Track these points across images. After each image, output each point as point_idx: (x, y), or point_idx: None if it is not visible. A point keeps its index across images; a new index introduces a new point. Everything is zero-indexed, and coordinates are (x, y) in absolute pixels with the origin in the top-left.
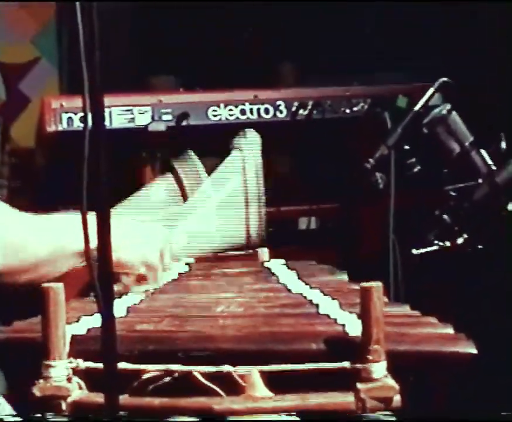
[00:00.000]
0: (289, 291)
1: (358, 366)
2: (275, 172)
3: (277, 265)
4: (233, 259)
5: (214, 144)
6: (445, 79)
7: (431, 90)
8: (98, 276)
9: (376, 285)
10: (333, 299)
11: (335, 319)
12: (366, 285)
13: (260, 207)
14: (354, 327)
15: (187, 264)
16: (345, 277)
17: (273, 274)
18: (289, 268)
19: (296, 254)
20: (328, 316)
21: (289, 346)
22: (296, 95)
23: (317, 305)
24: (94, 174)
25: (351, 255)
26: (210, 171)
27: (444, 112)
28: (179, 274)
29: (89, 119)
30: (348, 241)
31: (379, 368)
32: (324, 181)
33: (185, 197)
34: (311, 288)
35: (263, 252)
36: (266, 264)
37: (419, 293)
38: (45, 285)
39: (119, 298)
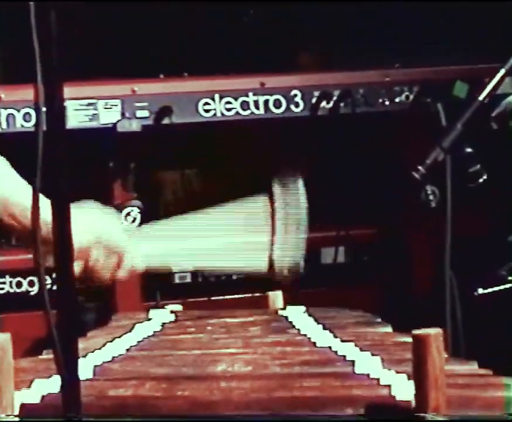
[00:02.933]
0: (313, 344)
1: None
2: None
3: (295, 313)
4: (236, 306)
5: (207, 149)
6: None
7: (500, 73)
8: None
9: (434, 333)
10: (373, 354)
11: (377, 380)
12: (420, 332)
13: (298, 233)
14: (403, 390)
15: (172, 312)
16: (387, 327)
17: (291, 324)
18: (311, 316)
19: (320, 297)
20: (367, 375)
21: (316, 413)
22: (317, 82)
23: (352, 362)
24: (50, 190)
25: (395, 298)
26: (201, 186)
27: None
28: (163, 324)
29: (42, 116)
30: (390, 279)
31: None
32: (356, 198)
33: (273, 228)
34: (342, 341)
35: (276, 297)
36: (280, 312)
37: (485, 345)
38: None
39: (84, 356)
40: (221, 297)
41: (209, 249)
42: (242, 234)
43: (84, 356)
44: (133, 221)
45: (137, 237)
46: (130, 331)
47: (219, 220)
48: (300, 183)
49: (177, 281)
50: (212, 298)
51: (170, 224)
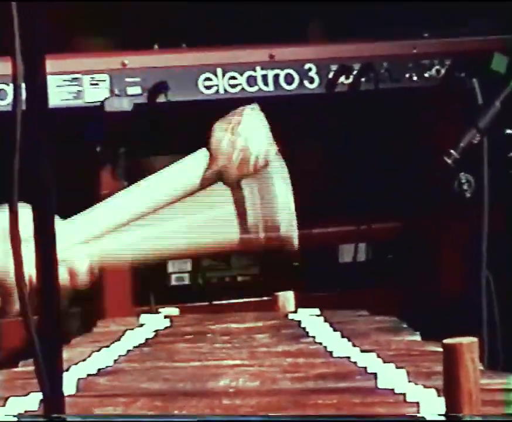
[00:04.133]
0: (330, 354)
1: None
2: (302, 172)
3: (309, 318)
4: (241, 311)
5: (207, 131)
6: None
7: None
8: (37, 328)
9: (468, 343)
10: (399, 366)
11: (403, 395)
12: (451, 341)
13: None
14: (432, 407)
15: (166, 317)
16: (414, 335)
17: (304, 331)
18: (327, 321)
19: (338, 300)
20: (392, 391)
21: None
22: (335, 55)
23: (374, 375)
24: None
25: (423, 301)
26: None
27: None
28: (155, 332)
29: (21, 94)
30: (417, 279)
31: None
32: (378, 188)
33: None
34: (363, 351)
35: (287, 298)
36: (291, 316)
37: None
38: None
39: (67, 368)
40: (223, 301)
41: (171, 232)
42: (204, 209)
43: (67, 369)
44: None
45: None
46: (119, 339)
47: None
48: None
49: (173, 282)
50: (214, 302)
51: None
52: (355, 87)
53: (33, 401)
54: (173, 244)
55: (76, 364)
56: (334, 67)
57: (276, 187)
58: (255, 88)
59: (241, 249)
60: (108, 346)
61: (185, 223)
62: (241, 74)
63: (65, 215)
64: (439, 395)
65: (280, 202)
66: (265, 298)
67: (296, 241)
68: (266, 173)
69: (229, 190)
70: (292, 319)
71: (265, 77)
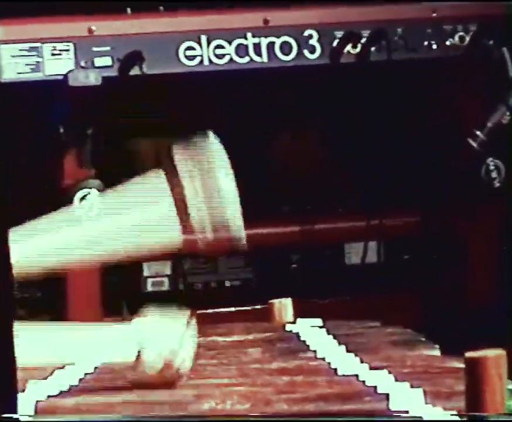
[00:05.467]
0: (334, 372)
1: None
2: (301, 158)
3: (309, 329)
4: (229, 320)
5: (190, 109)
6: None
7: None
8: None
9: (495, 356)
10: (414, 385)
11: (419, 419)
12: (475, 355)
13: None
14: None
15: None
16: (433, 349)
17: (304, 344)
18: (330, 333)
19: (343, 308)
20: (406, 412)
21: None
22: (340, 19)
23: (385, 396)
24: None
25: (443, 309)
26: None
27: None
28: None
29: None
30: (437, 284)
31: None
32: (392, 175)
33: (181, 202)
34: (372, 368)
35: (284, 307)
36: (289, 327)
37: None
38: None
39: (23, 389)
40: (209, 310)
41: (103, 234)
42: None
43: (23, 389)
44: (90, 208)
45: None
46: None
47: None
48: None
49: (149, 288)
50: (199, 311)
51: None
52: (364, 58)
53: None
54: (103, 246)
55: (34, 383)
56: (339, 34)
57: (220, 180)
58: (246, 59)
59: (185, 250)
60: (72, 363)
61: (117, 222)
62: (229, 43)
63: (21, 209)
64: (461, 418)
65: (226, 196)
66: (258, 306)
67: (244, 238)
68: (208, 165)
69: (167, 183)
70: (290, 331)
71: (257, 46)
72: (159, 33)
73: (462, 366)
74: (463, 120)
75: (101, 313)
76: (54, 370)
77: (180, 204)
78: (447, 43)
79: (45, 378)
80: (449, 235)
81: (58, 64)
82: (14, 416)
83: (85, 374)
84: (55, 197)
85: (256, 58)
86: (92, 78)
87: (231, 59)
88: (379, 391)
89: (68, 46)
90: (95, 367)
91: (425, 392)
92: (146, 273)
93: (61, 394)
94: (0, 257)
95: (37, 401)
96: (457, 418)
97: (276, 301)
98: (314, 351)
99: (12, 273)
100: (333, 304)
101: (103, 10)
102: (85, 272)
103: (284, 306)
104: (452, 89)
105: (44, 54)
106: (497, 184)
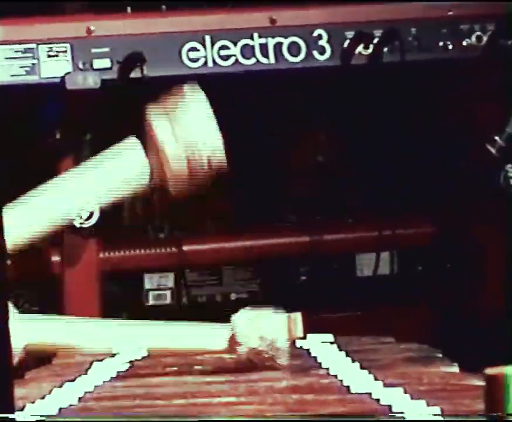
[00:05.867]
0: (346, 390)
1: None
2: (310, 164)
3: (320, 345)
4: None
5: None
6: None
7: None
8: None
9: None
10: (431, 404)
11: None
12: (496, 371)
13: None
14: None
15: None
16: (451, 365)
17: (315, 361)
18: (343, 349)
19: (356, 323)
20: None
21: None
22: (351, 19)
23: (401, 415)
24: None
25: (462, 324)
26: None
27: None
28: (131, 362)
29: None
30: (455, 296)
31: None
32: (405, 182)
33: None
34: (387, 385)
35: (293, 321)
36: (299, 343)
37: None
38: None
39: (22, 408)
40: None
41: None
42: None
43: (21, 408)
44: (89, 218)
45: None
46: (85, 372)
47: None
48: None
49: (151, 301)
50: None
51: None
52: (376, 59)
53: None
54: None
55: (33, 402)
56: (349, 34)
57: (193, 113)
58: (252, 61)
59: (166, 189)
60: (72, 380)
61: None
62: (235, 43)
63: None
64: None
65: (200, 126)
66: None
67: (225, 163)
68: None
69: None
70: (300, 347)
71: (264, 47)
72: (161, 33)
73: (481, 383)
74: (480, 125)
75: None
76: (52, 389)
77: (151, 142)
78: (464, 43)
79: (43, 398)
80: (466, 244)
81: (54, 66)
82: (11, 416)
83: (85, 392)
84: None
85: (263, 60)
86: (91, 81)
87: (237, 60)
88: (394, 409)
89: (65, 47)
90: (97, 386)
91: (442, 411)
92: (147, 286)
93: (60, 413)
94: None
95: None
96: None
97: (285, 316)
98: (326, 368)
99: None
100: (344, 318)
101: (102, 9)
102: (84, 284)
103: (293, 321)
104: (469, 92)
105: (39, 56)
106: None
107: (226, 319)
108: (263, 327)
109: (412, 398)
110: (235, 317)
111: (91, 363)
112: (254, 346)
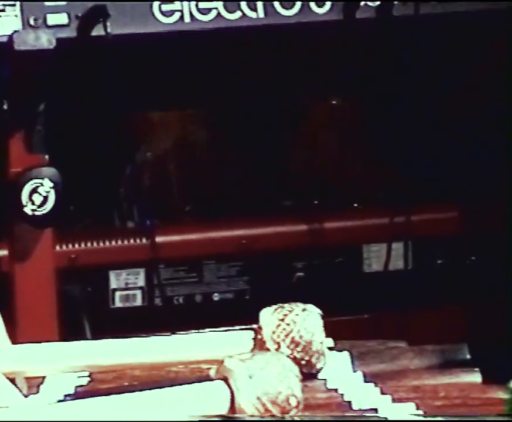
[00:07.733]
0: (348, 405)
1: None
2: (309, 141)
3: None
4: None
5: (167, 79)
6: None
7: None
8: None
9: None
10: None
11: None
12: None
13: None
14: None
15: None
16: (473, 375)
17: None
18: (344, 357)
19: (360, 325)
20: None
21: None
22: None
23: None
24: None
25: (487, 328)
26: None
27: None
28: (89, 377)
29: None
30: (480, 297)
31: None
32: (421, 162)
33: None
34: (395, 399)
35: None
36: None
37: None
38: None
39: None
40: (193, 331)
41: None
42: None
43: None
44: (43, 203)
45: None
46: (36, 390)
47: None
48: None
49: (118, 303)
50: (179, 332)
51: None
52: (386, 12)
53: None
54: None
55: None
56: None
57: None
58: (237, 15)
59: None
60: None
61: None
62: None
63: None
64: None
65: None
66: (255, 325)
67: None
68: None
69: None
70: None
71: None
72: None
73: (507, 396)
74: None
75: (58, 334)
76: None
77: None
78: None
79: None
80: (492, 235)
81: (1, 22)
82: None
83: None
84: None
85: (250, 14)
86: (44, 40)
87: (219, 14)
88: None
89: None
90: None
91: None
92: (113, 285)
93: None
94: None
95: None
96: None
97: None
98: (324, 380)
99: None
100: (348, 321)
101: None
102: (37, 283)
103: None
104: (501, 54)
105: None
106: None
107: (207, 323)
108: (295, 330)
109: (425, 415)
110: (262, 318)
111: (43, 379)
112: (286, 353)
